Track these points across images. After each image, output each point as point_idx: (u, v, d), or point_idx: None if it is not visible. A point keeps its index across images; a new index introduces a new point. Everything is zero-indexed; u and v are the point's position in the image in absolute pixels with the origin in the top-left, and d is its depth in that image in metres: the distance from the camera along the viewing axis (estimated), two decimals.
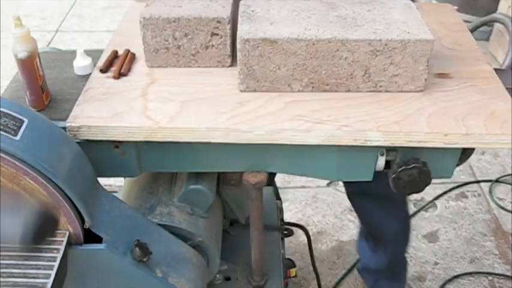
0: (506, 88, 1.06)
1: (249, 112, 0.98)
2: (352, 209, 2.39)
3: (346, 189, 1.85)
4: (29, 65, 0.98)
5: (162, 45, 1.07)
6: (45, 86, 1.02)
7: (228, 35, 1.05)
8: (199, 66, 1.08)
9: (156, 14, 1.04)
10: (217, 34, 1.05)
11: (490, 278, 2.10)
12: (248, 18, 1.03)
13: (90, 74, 1.09)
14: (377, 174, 1.65)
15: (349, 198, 1.87)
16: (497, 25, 3.30)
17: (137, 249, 0.94)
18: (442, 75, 1.09)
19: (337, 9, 1.07)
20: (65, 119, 0.96)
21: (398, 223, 1.85)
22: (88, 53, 1.16)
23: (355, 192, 1.78)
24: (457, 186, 2.51)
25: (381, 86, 1.03)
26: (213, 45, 1.07)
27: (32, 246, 0.80)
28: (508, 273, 2.10)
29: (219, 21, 1.04)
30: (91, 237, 0.93)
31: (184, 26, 1.04)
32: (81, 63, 1.11)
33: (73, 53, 1.14)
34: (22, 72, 0.99)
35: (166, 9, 1.06)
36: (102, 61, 1.12)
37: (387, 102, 1.01)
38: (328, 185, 2.50)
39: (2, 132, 0.82)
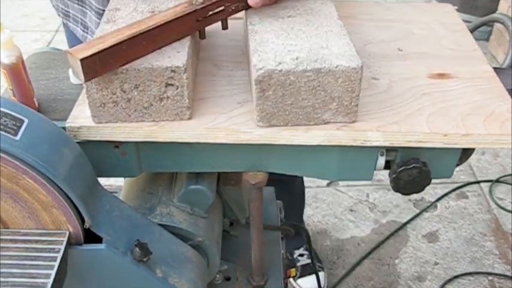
0: (506, 88, 1.06)
1: (248, 112, 0.98)
2: (352, 209, 2.40)
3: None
4: (18, 70, 0.95)
5: (109, 99, 0.93)
6: (33, 89, 1.00)
7: (184, 85, 0.93)
8: (153, 120, 0.96)
9: None
10: (172, 84, 0.93)
11: (490, 278, 2.11)
12: None
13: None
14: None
15: None
16: (497, 25, 3.30)
17: (137, 249, 0.94)
18: (442, 75, 1.09)
19: None
20: (65, 119, 0.96)
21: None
22: None
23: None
24: (457, 187, 2.51)
25: None
26: (168, 97, 0.94)
27: None
28: (508, 273, 2.10)
29: (173, 71, 0.91)
30: (91, 237, 0.93)
31: (133, 77, 0.91)
32: None
33: None
34: (11, 77, 0.96)
35: None
36: None
37: (387, 102, 1.01)
38: (328, 185, 2.50)
39: (2, 132, 0.82)
